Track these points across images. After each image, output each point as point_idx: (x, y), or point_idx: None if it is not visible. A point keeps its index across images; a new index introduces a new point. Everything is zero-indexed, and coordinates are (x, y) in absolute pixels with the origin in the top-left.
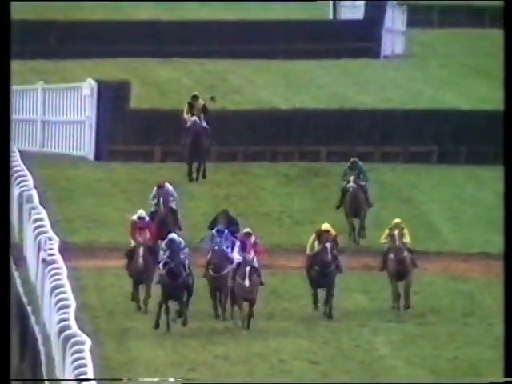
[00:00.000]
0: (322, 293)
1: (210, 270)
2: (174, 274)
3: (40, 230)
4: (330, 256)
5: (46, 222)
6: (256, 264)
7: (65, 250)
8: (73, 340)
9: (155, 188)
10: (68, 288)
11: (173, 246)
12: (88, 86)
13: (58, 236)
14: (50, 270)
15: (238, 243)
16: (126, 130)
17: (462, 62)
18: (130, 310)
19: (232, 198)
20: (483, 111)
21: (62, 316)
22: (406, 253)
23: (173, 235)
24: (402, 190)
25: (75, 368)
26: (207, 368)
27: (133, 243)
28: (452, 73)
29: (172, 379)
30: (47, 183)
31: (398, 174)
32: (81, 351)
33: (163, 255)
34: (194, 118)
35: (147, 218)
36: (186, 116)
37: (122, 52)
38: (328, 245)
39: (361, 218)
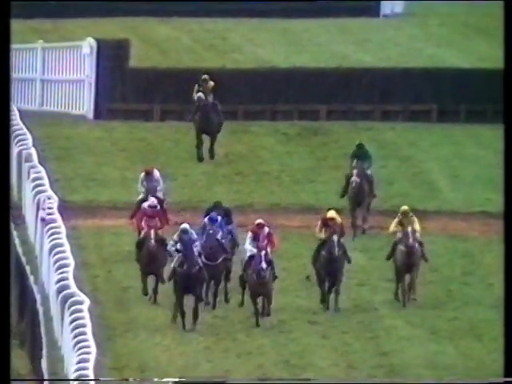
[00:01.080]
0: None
1: (203, 258)
2: (187, 267)
3: (39, 188)
4: (336, 249)
5: (45, 181)
6: (270, 256)
7: (64, 209)
8: (71, 300)
9: (143, 174)
10: (67, 247)
11: (185, 239)
12: (87, 45)
13: (56, 195)
14: (48, 229)
15: (249, 234)
16: (125, 88)
17: (461, 20)
18: (129, 269)
19: (231, 157)
20: (483, 70)
21: (61, 275)
22: (416, 245)
23: (185, 226)
24: (402, 149)
25: (74, 328)
26: (206, 327)
27: (142, 233)
28: (452, 31)
29: (171, 379)
30: (46, 142)
31: (398, 133)
32: (79, 311)
33: (173, 247)
34: (199, 94)
35: (158, 207)
36: (194, 95)
37: (121, 11)
38: (335, 238)
39: (363, 207)
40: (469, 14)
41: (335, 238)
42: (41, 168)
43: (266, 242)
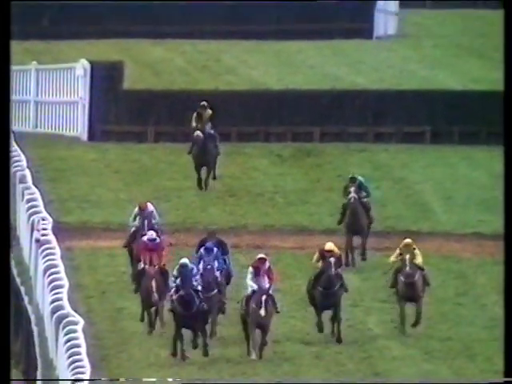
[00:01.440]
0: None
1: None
2: (186, 303)
3: (33, 210)
4: (333, 271)
5: (40, 202)
6: (271, 291)
7: (58, 230)
8: (66, 320)
9: (137, 209)
10: (61, 268)
11: (184, 272)
12: (81, 67)
13: (51, 216)
14: (43, 250)
15: (250, 269)
16: (119, 110)
17: (455, 42)
18: (123, 290)
19: (225, 179)
20: (476, 91)
21: (55, 296)
22: (417, 276)
23: (185, 261)
24: (395, 170)
25: (68, 348)
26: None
27: (141, 265)
28: (445, 53)
29: (171, 379)
30: (40, 163)
31: (391, 154)
32: (74, 331)
33: (174, 282)
34: (197, 132)
35: (158, 240)
36: (193, 125)
37: (115, 32)
38: (332, 259)
39: (362, 236)
40: (462, 36)
41: (332, 259)
42: (35, 189)
43: (266, 279)
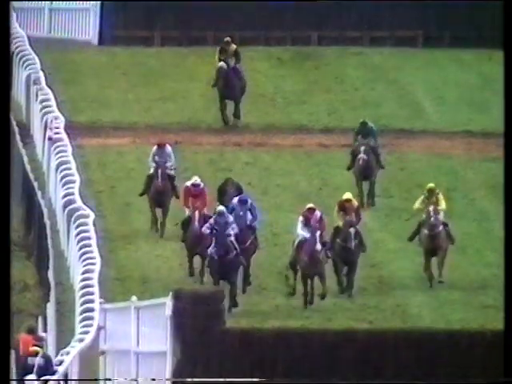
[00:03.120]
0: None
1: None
2: (221, 253)
3: (47, 109)
4: (353, 243)
5: (52, 103)
6: (321, 240)
7: (70, 128)
8: (77, 214)
9: (155, 147)
10: (73, 165)
11: (220, 222)
12: None
13: (63, 116)
14: (55, 148)
15: (300, 218)
16: (127, 16)
17: None
18: (131, 185)
19: None
20: None
21: (67, 191)
22: (441, 227)
23: (221, 208)
24: (389, 72)
25: (79, 240)
26: None
27: (187, 212)
28: None
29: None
30: (54, 66)
31: (386, 57)
32: (85, 224)
33: (208, 229)
34: (221, 63)
35: (202, 185)
36: (217, 60)
37: None
38: (352, 230)
39: (371, 181)
40: None
41: (352, 230)
42: (48, 90)
43: (317, 225)
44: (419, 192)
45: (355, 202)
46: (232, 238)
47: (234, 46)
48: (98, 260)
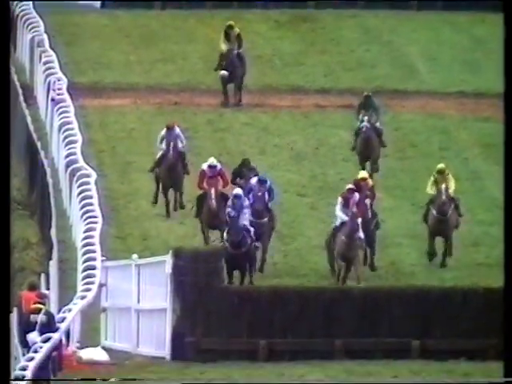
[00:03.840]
0: None
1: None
2: (237, 244)
3: (50, 71)
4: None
5: (56, 64)
6: (359, 223)
7: (72, 89)
8: (79, 173)
9: (164, 130)
10: (75, 125)
11: (236, 205)
12: None
13: (66, 77)
14: (58, 108)
15: (339, 199)
16: None
17: None
18: (132, 145)
19: None
20: None
21: (70, 151)
22: (451, 209)
23: (239, 190)
24: (384, 34)
25: (82, 199)
26: None
27: (201, 192)
28: None
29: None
30: (57, 29)
31: (381, 20)
32: (87, 183)
33: (227, 215)
34: (225, 50)
35: (219, 166)
36: (221, 45)
37: None
38: (359, 220)
39: (373, 159)
40: None
41: (359, 220)
42: (51, 52)
43: (357, 210)
44: (414, 152)
45: (370, 182)
46: (248, 227)
47: (237, 30)
48: (99, 218)
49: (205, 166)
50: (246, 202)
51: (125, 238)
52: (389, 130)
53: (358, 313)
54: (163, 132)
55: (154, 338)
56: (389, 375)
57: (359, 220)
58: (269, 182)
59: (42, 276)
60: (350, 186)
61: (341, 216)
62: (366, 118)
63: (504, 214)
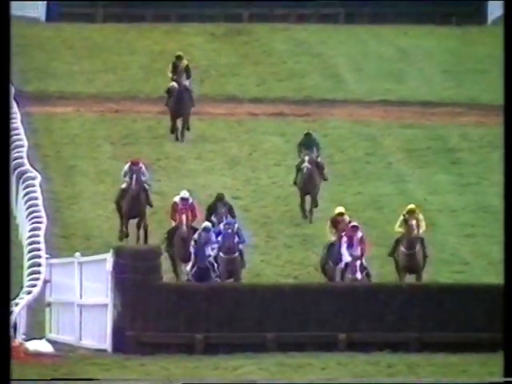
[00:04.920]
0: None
1: (221, 253)
2: (202, 278)
3: None
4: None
5: None
6: (364, 261)
7: (19, 97)
8: (25, 175)
9: (128, 164)
10: (21, 131)
11: (202, 237)
12: None
13: (12, 85)
14: None
15: (344, 239)
16: None
17: None
18: (76, 150)
19: (165, 55)
20: None
21: (16, 155)
22: (418, 246)
23: (208, 224)
24: (314, 46)
25: (27, 200)
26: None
27: (173, 223)
28: None
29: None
30: None
31: (310, 33)
32: (32, 185)
33: (193, 247)
34: (173, 83)
35: (190, 200)
36: (169, 76)
37: None
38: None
39: (313, 195)
40: None
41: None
42: None
43: (359, 249)
44: (342, 157)
45: (347, 217)
46: (211, 259)
47: (185, 62)
48: (44, 219)
49: (177, 199)
50: (213, 237)
51: (68, 237)
52: (318, 136)
53: (289, 308)
54: (126, 167)
55: (96, 332)
56: (318, 367)
57: (358, 263)
58: (236, 225)
59: None
60: (354, 223)
61: (345, 255)
62: (306, 157)
63: (504, 215)
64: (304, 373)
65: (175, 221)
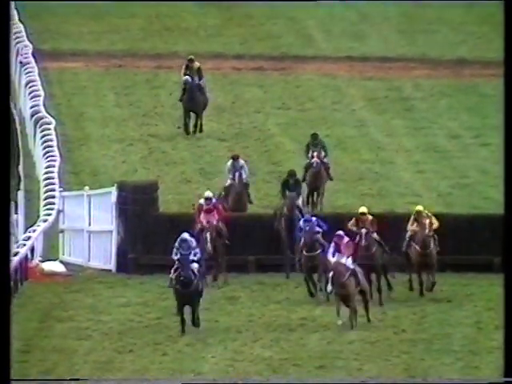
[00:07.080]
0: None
1: (304, 252)
2: (185, 283)
3: (18, 39)
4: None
5: (23, 34)
6: (352, 265)
7: (36, 54)
8: (42, 121)
9: (230, 160)
10: (38, 82)
11: (183, 247)
12: None
13: (31, 44)
14: (25, 69)
15: (332, 244)
16: None
17: None
18: (84, 99)
19: (161, 17)
20: None
21: (34, 103)
22: (432, 245)
23: (185, 235)
24: (288, 11)
25: (43, 142)
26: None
27: (199, 226)
28: None
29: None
30: (23, 5)
31: None
32: (48, 129)
33: (175, 255)
34: (186, 77)
35: (214, 200)
36: (182, 77)
37: None
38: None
39: (319, 192)
40: None
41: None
42: (20, 24)
43: (345, 255)
44: (312, 105)
45: (369, 216)
46: (195, 265)
47: (197, 64)
48: (57, 158)
49: (201, 200)
50: (194, 244)
51: (78, 173)
52: (292, 87)
53: (267, 235)
54: (229, 163)
55: (102, 254)
56: (292, 285)
57: (346, 261)
58: (313, 220)
59: (12, 204)
60: (340, 232)
61: (332, 260)
62: (315, 153)
63: (504, 207)
64: (280, 290)
65: (201, 223)
